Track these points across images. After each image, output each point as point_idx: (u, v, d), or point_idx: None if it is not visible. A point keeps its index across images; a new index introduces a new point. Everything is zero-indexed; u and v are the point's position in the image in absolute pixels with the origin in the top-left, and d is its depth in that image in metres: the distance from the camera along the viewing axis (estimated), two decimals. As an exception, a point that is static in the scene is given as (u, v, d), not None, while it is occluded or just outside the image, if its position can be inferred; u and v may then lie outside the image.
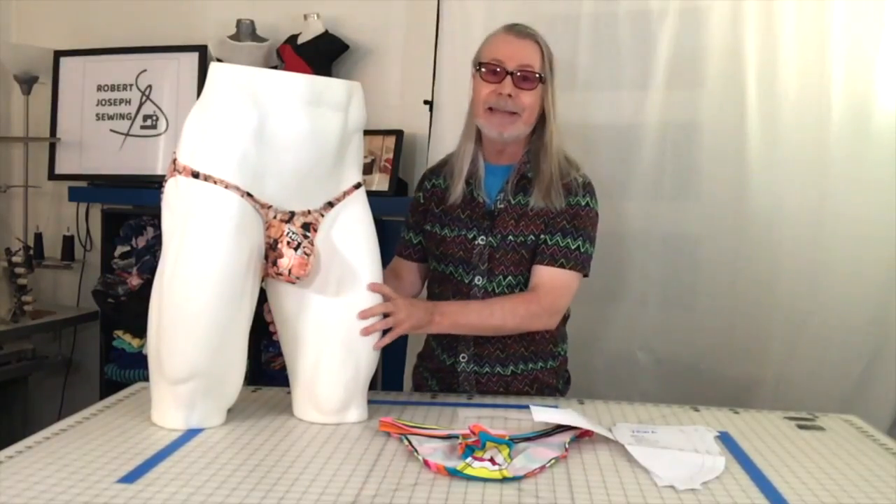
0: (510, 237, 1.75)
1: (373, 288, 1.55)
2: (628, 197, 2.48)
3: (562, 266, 1.72)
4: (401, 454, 1.35)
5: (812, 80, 2.35)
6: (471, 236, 1.77)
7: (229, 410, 1.52)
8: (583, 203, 1.75)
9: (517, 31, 1.75)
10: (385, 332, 1.57)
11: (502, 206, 1.77)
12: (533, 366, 1.81)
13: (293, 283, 1.49)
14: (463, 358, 1.79)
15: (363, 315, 1.53)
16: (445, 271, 1.80)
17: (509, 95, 1.70)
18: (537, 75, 1.71)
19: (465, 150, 1.79)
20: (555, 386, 1.86)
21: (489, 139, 1.77)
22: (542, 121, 1.76)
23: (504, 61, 1.71)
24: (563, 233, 1.73)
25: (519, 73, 1.70)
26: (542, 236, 1.74)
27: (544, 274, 1.72)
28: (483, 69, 1.73)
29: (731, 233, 2.44)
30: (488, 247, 1.76)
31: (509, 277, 1.76)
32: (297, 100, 1.43)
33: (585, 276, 1.77)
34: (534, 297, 1.71)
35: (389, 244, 1.86)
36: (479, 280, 1.77)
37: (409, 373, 2.05)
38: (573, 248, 1.73)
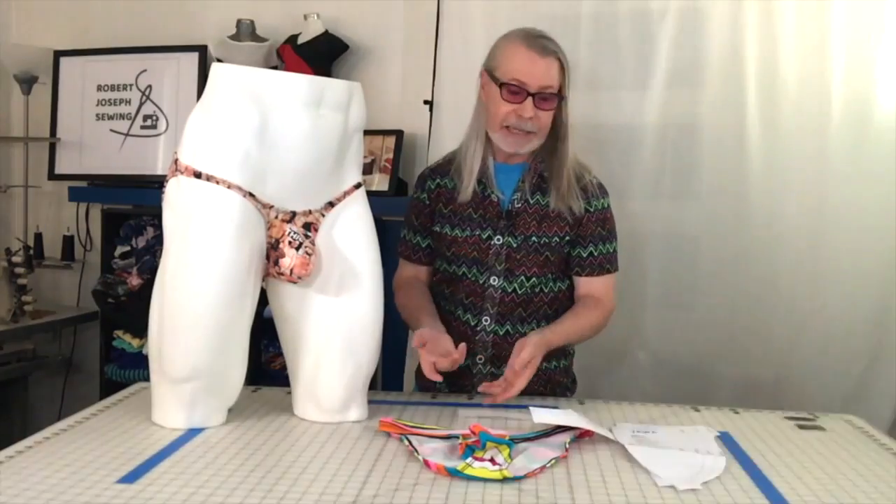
0: (533, 238, 1.75)
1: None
2: (628, 197, 2.47)
3: (608, 272, 1.81)
4: (401, 454, 1.35)
5: (812, 80, 2.36)
6: (485, 236, 1.76)
7: (230, 410, 1.52)
8: (606, 205, 1.81)
9: (540, 47, 1.68)
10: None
11: (520, 205, 1.76)
12: (547, 365, 1.81)
13: (295, 282, 1.49)
14: (480, 360, 1.78)
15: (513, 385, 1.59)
16: (458, 272, 1.79)
17: (530, 118, 1.69)
18: (556, 94, 1.70)
19: (473, 149, 1.76)
20: (565, 384, 1.88)
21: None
22: (553, 126, 1.75)
23: (526, 83, 1.67)
24: (601, 240, 1.79)
25: (540, 95, 1.68)
26: (581, 249, 1.77)
27: (597, 285, 1.80)
28: (504, 89, 1.68)
29: (731, 232, 2.44)
30: (506, 247, 1.75)
31: (532, 279, 1.76)
32: (299, 100, 1.43)
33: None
34: (601, 306, 1.78)
35: (389, 244, 1.86)
36: (495, 280, 1.76)
37: (411, 372, 2.05)
38: (610, 251, 1.81)
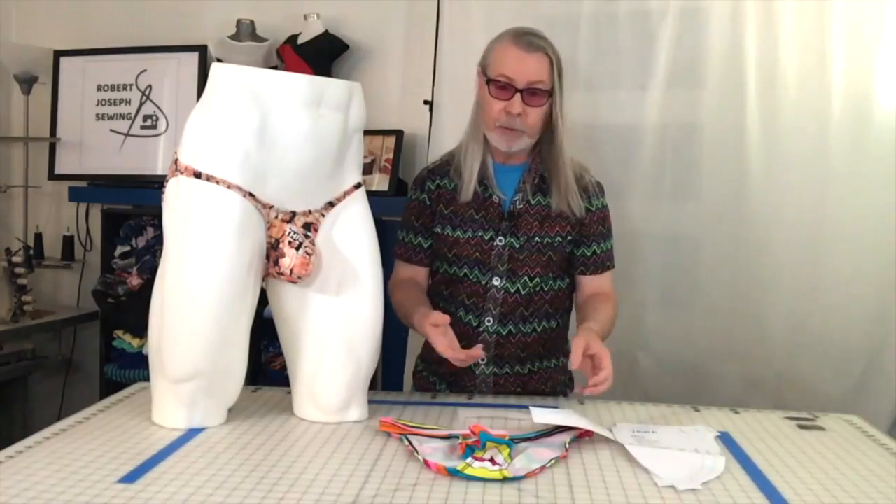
0: (536, 238, 1.75)
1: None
2: (628, 197, 2.47)
3: (609, 268, 1.85)
4: (401, 454, 1.35)
5: (812, 80, 2.35)
6: (487, 237, 1.76)
7: (230, 410, 1.52)
8: (605, 203, 1.83)
9: (527, 42, 1.69)
10: None
11: (522, 206, 1.76)
12: (548, 363, 1.83)
13: (295, 282, 1.50)
14: (482, 360, 1.78)
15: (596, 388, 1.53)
16: (459, 273, 1.79)
17: (518, 114, 1.69)
18: (546, 91, 1.70)
19: (473, 150, 1.76)
20: (564, 382, 1.89)
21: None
22: (549, 124, 1.75)
23: (513, 78, 1.67)
24: (603, 238, 1.82)
25: (528, 91, 1.68)
26: (585, 249, 1.80)
27: (602, 282, 1.83)
28: (491, 85, 1.69)
29: (731, 233, 2.44)
30: (508, 247, 1.76)
31: (536, 279, 1.77)
32: (298, 100, 1.43)
33: None
34: (611, 299, 1.81)
35: (389, 244, 1.85)
36: (497, 281, 1.76)
37: (409, 375, 2.04)
38: (610, 248, 1.85)
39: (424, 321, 1.62)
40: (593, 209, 1.80)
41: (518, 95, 1.68)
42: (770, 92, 2.38)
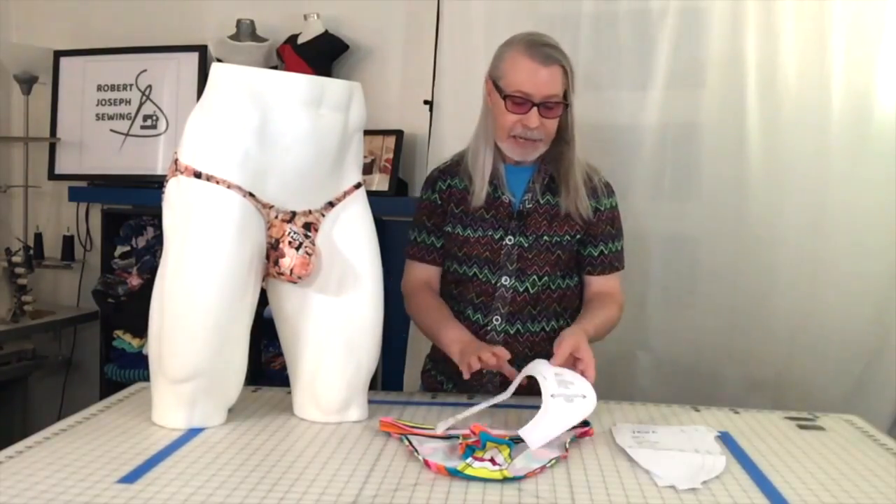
0: (545, 237, 1.76)
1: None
2: (628, 197, 2.47)
3: (617, 269, 1.84)
4: (401, 454, 1.35)
5: (812, 80, 2.35)
6: (497, 237, 1.77)
7: (230, 410, 1.52)
8: (614, 204, 1.84)
9: (544, 55, 1.66)
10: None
11: (531, 206, 1.77)
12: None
13: (295, 282, 1.50)
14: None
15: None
16: (468, 273, 1.79)
17: (536, 127, 1.69)
18: (563, 102, 1.70)
19: (483, 154, 1.76)
20: None
21: None
22: (561, 128, 1.75)
23: (531, 94, 1.66)
24: (611, 238, 1.82)
25: (545, 105, 1.68)
26: (592, 248, 1.80)
27: (609, 283, 1.83)
28: (508, 101, 1.68)
29: (732, 233, 2.44)
30: (517, 247, 1.76)
31: (545, 278, 1.77)
32: (298, 100, 1.43)
33: None
34: (616, 301, 1.81)
35: (389, 244, 1.86)
36: (506, 280, 1.77)
37: (412, 374, 2.04)
38: (619, 249, 1.84)
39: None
40: (602, 209, 1.80)
41: (535, 109, 1.68)
42: (770, 92, 2.38)
